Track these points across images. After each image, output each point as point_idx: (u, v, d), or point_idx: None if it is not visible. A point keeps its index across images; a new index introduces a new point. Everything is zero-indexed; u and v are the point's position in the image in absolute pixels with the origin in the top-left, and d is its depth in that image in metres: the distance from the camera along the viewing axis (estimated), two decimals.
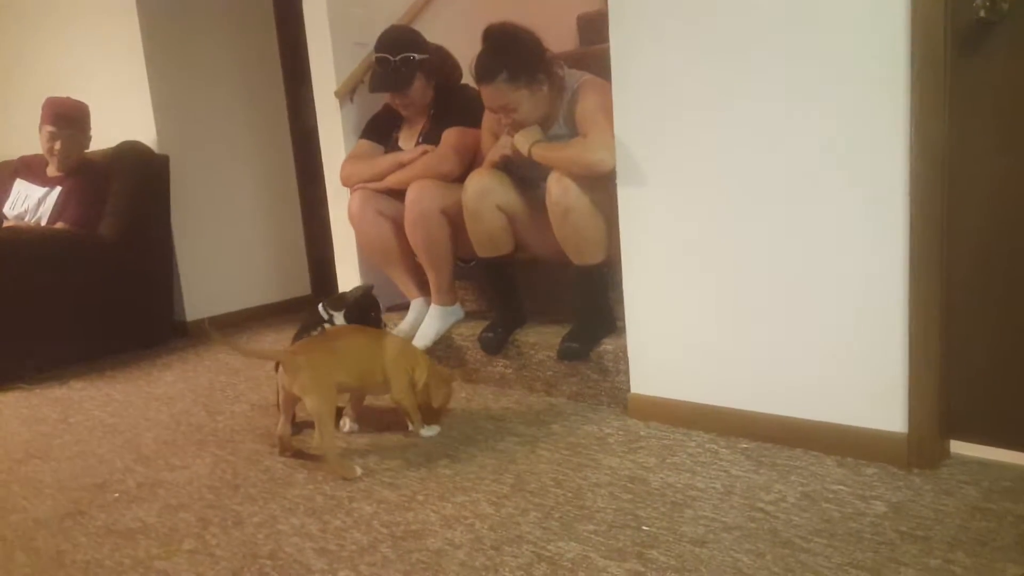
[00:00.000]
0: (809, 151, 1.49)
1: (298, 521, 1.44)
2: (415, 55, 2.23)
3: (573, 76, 1.99)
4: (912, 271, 1.41)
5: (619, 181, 1.78)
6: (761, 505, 1.35)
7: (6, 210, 3.03)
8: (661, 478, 1.49)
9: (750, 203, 1.58)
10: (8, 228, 2.94)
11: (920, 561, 1.14)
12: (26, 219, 2.97)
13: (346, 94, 2.45)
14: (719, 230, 1.64)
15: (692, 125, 1.63)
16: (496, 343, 2.10)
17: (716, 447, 1.62)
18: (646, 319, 1.79)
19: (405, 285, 2.37)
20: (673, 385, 1.77)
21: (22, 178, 3.07)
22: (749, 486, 1.43)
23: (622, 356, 1.87)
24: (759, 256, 1.59)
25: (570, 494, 1.46)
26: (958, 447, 1.48)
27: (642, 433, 1.73)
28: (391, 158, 2.33)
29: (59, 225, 2.91)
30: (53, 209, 2.94)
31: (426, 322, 2.25)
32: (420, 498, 1.49)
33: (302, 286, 3.74)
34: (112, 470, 1.79)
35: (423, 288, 2.34)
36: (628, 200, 1.77)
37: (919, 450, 1.45)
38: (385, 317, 2.51)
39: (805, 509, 1.33)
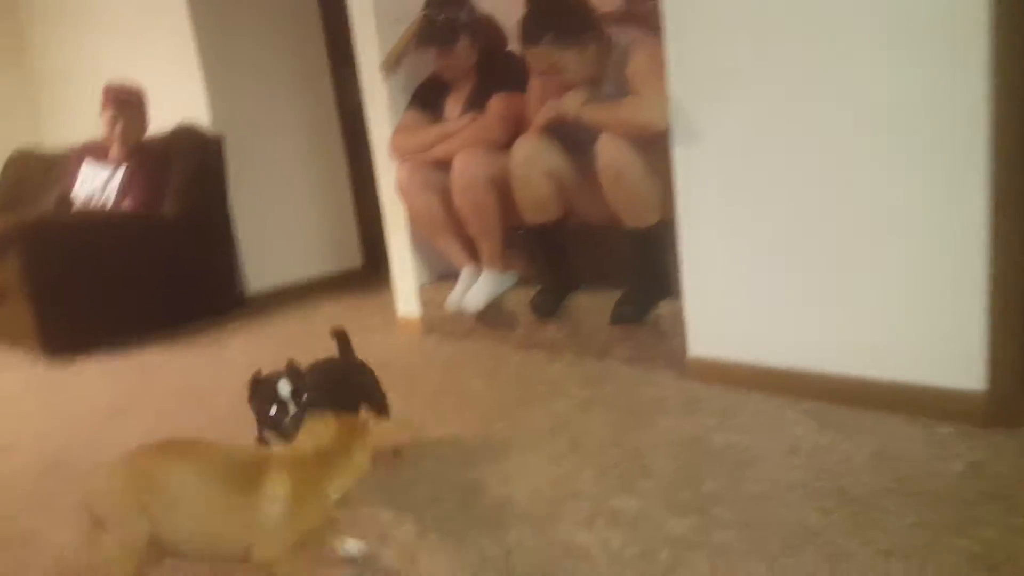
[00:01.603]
0: (880, 100, 1.41)
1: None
2: (461, 13, 2.22)
3: (622, 34, 1.93)
4: (994, 217, 1.32)
5: (674, 140, 1.72)
6: (828, 465, 1.31)
7: (75, 193, 3.16)
8: (722, 438, 1.46)
9: (814, 156, 1.52)
10: (80, 212, 3.08)
11: (1003, 521, 1.09)
12: (94, 200, 3.10)
13: (392, 64, 2.45)
14: (781, 185, 1.58)
15: (751, 80, 1.57)
16: (548, 307, 2.09)
17: (779, 408, 1.57)
18: (704, 280, 1.75)
19: (455, 254, 2.38)
20: (733, 347, 1.72)
21: (88, 162, 3.20)
22: (815, 446, 1.39)
23: (679, 319, 1.83)
24: (824, 209, 1.52)
25: (628, 453, 1.44)
26: None
27: (701, 395, 1.70)
28: (438, 129, 2.32)
29: (125, 205, 3.02)
30: (118, 190, 3.06)
31: (477, 288, 2.25)
32: (479, 456, 1.50)
33: (355, 258, 3.81)
34: (190, 428, 1.86)
35: (473, 256, 2.33)
36: (684, 159, 1.72)
37: (999, 408, 1.37)
38: (435, 287, 2.52)
39: (875, 469, 1.28)
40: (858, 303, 1.51)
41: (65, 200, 3.17)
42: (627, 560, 1.09)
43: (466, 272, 2.34)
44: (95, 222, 2.98)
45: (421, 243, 2.57)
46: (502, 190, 2.14)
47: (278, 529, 0.97)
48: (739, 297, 1.69)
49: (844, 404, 1.54)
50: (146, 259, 2.97)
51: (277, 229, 3.50)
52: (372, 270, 3.72)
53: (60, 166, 3.39)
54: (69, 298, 2.77)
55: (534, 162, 2.00)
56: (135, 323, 2.94)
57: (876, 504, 1.17)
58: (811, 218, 1.55)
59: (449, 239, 2.36)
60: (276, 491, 0.97)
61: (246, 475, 0.98)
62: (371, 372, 1.55)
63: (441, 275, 2.61)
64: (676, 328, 1.84)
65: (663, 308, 1.89)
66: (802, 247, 1.57)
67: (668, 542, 1.12)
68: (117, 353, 2.76)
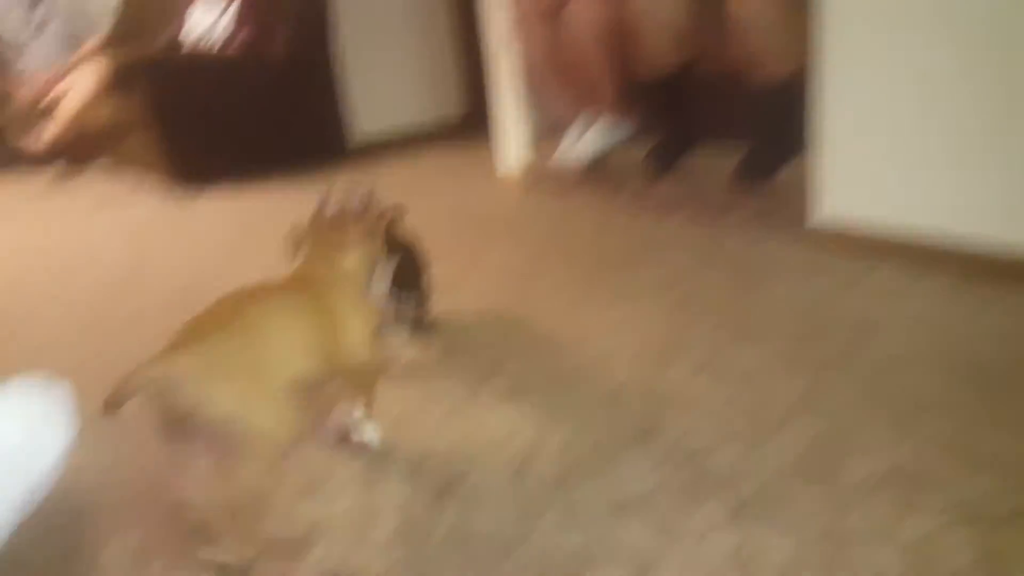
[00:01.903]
0: None
1: (468, 324, 1.52)
2: None
3: None
4: None
5: None
6: (956, 338, 1.23)
7: (187, 32, 3.21)
8: (843, 305, 1.40)
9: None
10: (189, 55, 3.16)
11: None
12: (204, 40, 3.14)
13: None
14: (938, 32, 1.36)
15: None
16: (664, 163, 2.00)
17: (909, 278, 1.47)
18: (839, 137, 1.59)
19: (569, 100, 2.27)
20: (866, 211, 1.59)
21: (198, 2, 3.21)
22: (944, 318, 1.30)
23: (806, 180, 1.70)
24: (986, 59, 1.32)
25: (742, 313, 1.41)
26: None
27: (824, 262, 1.61)
28: None
29: (240, 38, 3.06)
30: (234, 22, 3.08)
31: (589, 136, 2.16)
32: (586, 306, 1.52)
33: (458, 107, 3.73)
34: None
35: (588, 103, 2.23)
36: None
37: None
38: (541, 141, 2.45)
39: (1008, 346, 1.19)
40: (1011, 162, 1.34)
41: (174, 40, 3.25)
42: (732, 414, 1.09)
43: (580, 119, 2.25)
44: (212, 60, 3.07)
45: (528, 94, 2.47)
46: (622, 34, 1.99)
47: (367, 310, 1.04)
48: (877, 157, 1.54)
49: (982, 276, 1.42)
50: (259, 98, 3.05)
51: (382, 74, 3.46)
52: (475, 120, 3.65)
53: (174, 1, 3.43)
54: (192, 130, 2.92)
55: (657, 4, 1.83)
56: (251, 161, 3.07)
57: (1004, 379, 1.10)
58: (971, 68, 1.34)
59: (564, 83, 2.25)
60: (342, 285, 1.04)
61: (306, 290, 1.00)
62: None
63: (548, 129, 2.53)
64: (802, 190, 1.72)
65: (789, 167, 1.76)
66: (955, 102, 1.38)
67: (778, 401, 1.11)
68: (235, 190, 2.91)
